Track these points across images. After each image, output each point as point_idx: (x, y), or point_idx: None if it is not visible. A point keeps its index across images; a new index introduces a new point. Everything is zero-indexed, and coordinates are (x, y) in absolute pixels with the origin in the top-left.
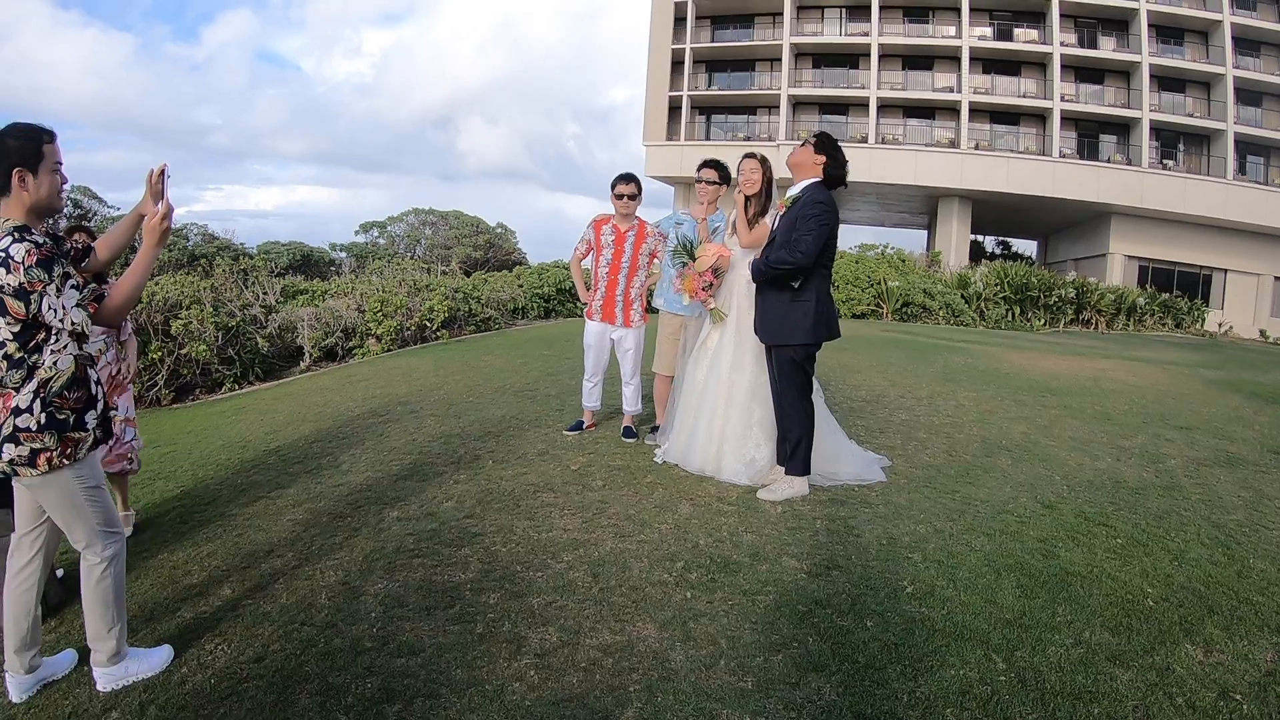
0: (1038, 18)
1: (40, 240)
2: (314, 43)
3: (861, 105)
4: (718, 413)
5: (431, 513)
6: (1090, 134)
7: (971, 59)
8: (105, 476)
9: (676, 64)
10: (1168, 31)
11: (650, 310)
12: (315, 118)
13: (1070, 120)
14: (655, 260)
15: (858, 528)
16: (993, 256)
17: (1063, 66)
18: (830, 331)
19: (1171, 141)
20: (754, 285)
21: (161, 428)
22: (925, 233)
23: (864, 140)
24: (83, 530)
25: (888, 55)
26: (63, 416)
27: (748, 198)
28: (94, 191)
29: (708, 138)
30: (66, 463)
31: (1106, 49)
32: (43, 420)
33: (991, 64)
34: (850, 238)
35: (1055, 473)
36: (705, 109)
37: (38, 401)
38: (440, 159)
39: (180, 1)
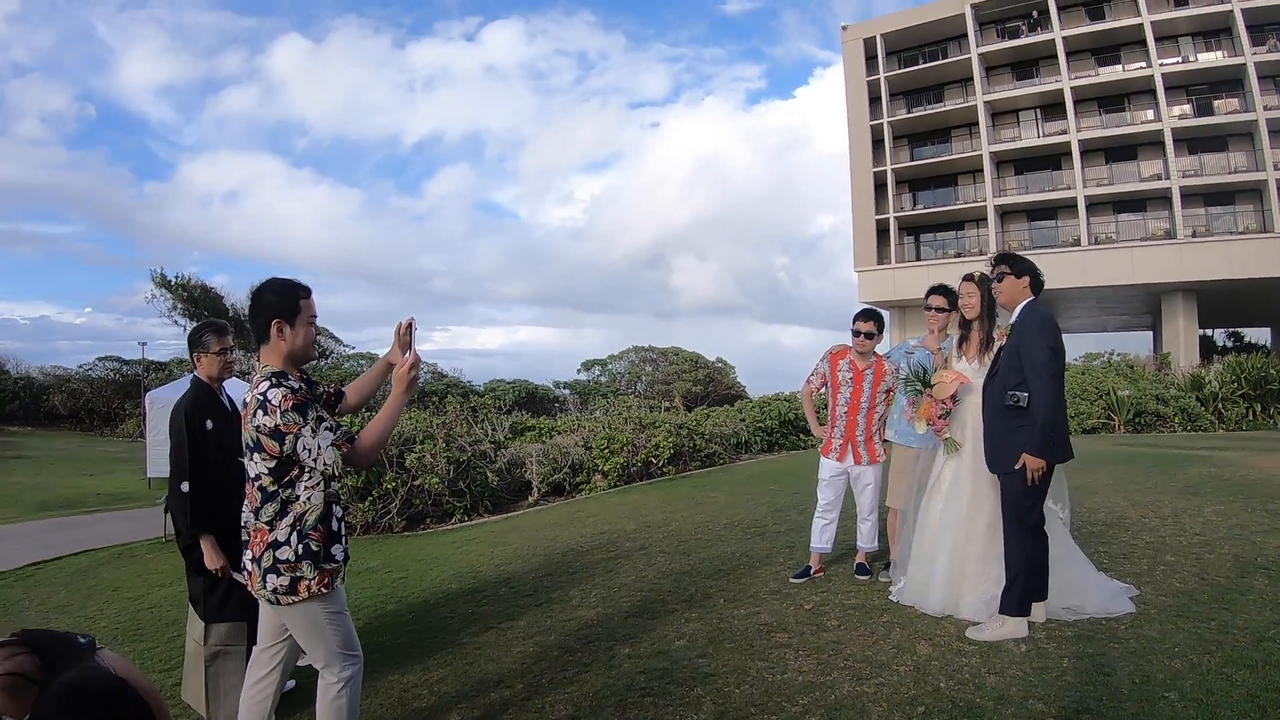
0: (1235, 85)
1: (296, 386)
2: (528, 192)
3: (1069, 207)
4: (956, 550)
5: (663, 651)
6: None
7: (1175, 140)
8: (347, 601)
9: (879, 186)
10: None
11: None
12: (533, 262)
13: None
14: (891, 394)
15: (1107, 665)
16: (1224, 351)
17: (1271, 131)
18: (1064, 453)
19: None
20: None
21: (393, 553)
22: (1150, 334)
23: (1076, 243)
24: (323, 652)
25: (1089, 150)
26: (316, 549)
27: (970, 321)
28: (331, 332)
29: (918, 258)
30: (325, 590)
31: None
32: (300, 551)
33: (1197, 143)
34: (1073, 347)
35: None
36: (912, 229)
37: (294, 534)
38: (654, 297)
39: (403, 160)
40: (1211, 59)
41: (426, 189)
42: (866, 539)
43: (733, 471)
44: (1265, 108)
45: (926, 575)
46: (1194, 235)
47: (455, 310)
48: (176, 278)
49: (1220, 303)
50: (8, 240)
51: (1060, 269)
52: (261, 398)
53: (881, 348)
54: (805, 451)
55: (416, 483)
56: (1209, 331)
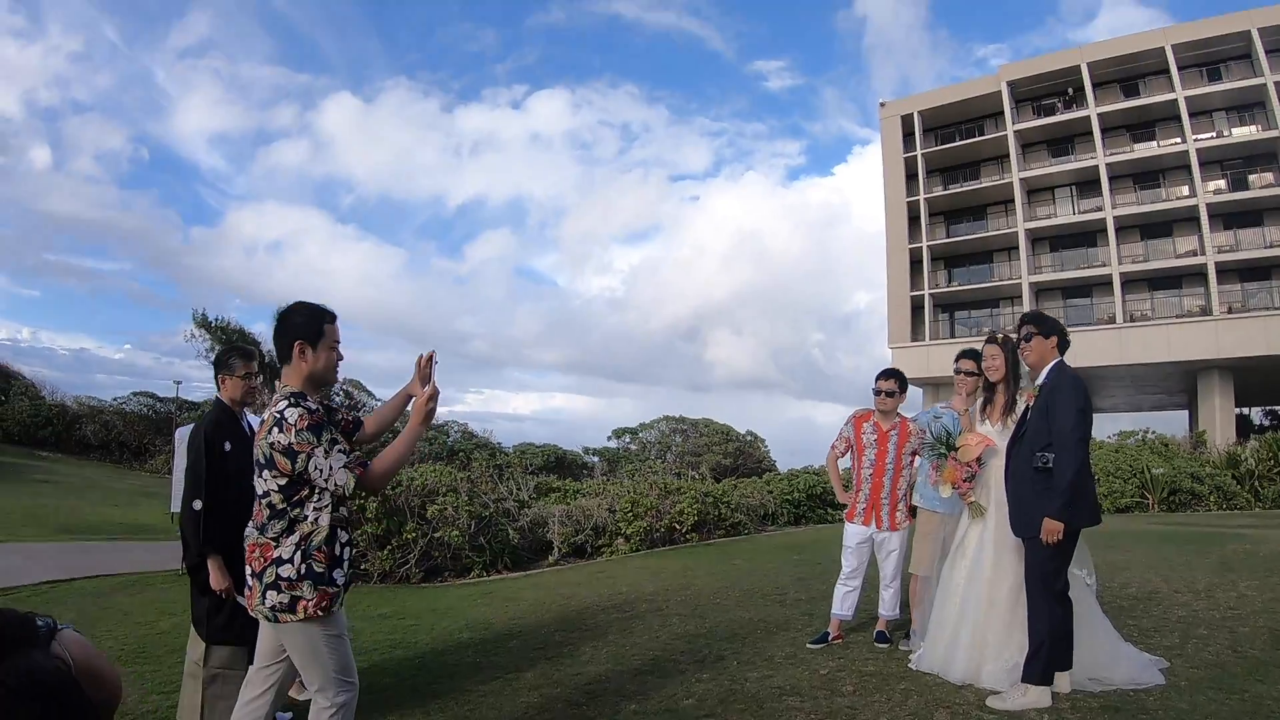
0: (1270, 159)
1: (313, 407)
2: (567, 260)
3: (1104, 284)
4: (979, 617)
5: (670, 709)
6: None
7: (1210, 216)
8: (347, 626)
9: (915, 263)
10: None
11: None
12: (570, 330)
13: None
14: (917, 459)
15: None
16: (1262, 430)
17: None
18: (1088, 517)
19: None
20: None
21: (407, 603)
22: (1185, 413)
23: (1111, 320)
24: (318, 675)
25: (1124, 227)
26: (320, 569)
27: (994, 384)
28: (364, 385)
29: (952, 335)
30: (320, 613)
31: None
32: (302, 570)
33: (1232, 218)
34: (1107, 426)
35: None
36: (947, 306)
37: (299, 553)
38: (690, 369)
39: (446, 222)
40: (1245, 133)
41: (468, 252)
42: (888, 607)
43: (756, 541)
44: None
45: (950, 642)
46: (1230, 311)
47: (490, 374)
48: (216, 320)
49: (1258, 380)
50: (56, 271)
51: (1095, 347)
52: (278, 416)
53: (907, 410)
54: (832, 525)
55: (437, 535)
56: (1246, 410)
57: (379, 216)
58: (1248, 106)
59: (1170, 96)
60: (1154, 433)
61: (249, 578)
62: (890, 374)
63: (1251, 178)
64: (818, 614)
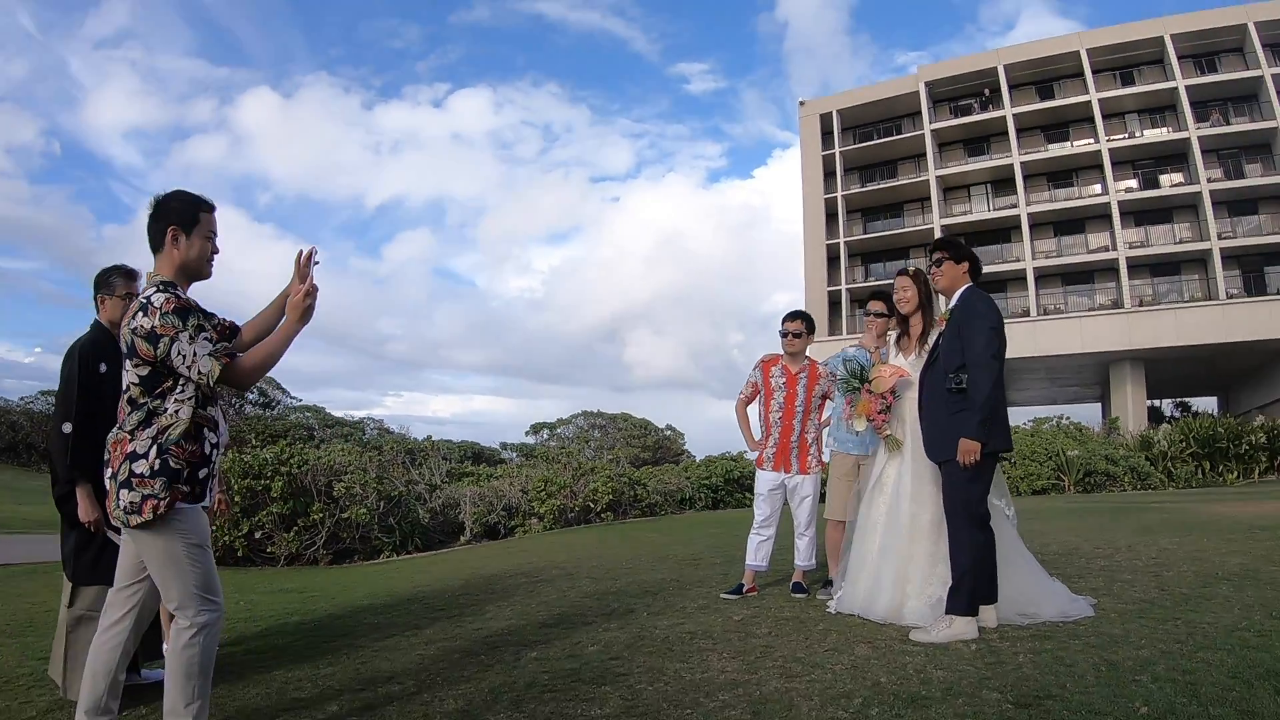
0: (1180, 159)
1: (182, 295)
2: (486, 260)
3: (1019, 279)
4: (901, 551)
5: (574, 655)
6: (1254, 269)
7: (1122, 213)
8: (210, 538)
9: (833, 260)
10: None
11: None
12: (490, 331)
13: (1231, 258)
14: (828, 402)
15: (1069, 658)
16: (1172, 420)
17: (1214, 203)
18: (1004, 440)
19: None
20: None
21: (311, 581)
22: (1099, 405)
23: (1026, 314)
24: (178, 589)
25: (1038, 224)
26: (176, 466)
27: (906, 317)
28: (282, 385)
29: None
30: (166, 510)
31: (1254, 176)
32: (156, 466)
33: (1143, 215)
34: (1024, 416)
35: None
36: (864, 301)
37: (154, 448)
38: (611, 370)
39: (365, 222)
40: (1157, 135)
41: (386, 252)
42: (804, 556)
43: (674, 519)
44: (1209, 180)
45: (872, 581)
46: (1141, 305)
47: (410, 375)
48: None
49: (1168, 371)
50: None
51: (1010, 340)
52: (144, 301)
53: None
54: (750, 508)
55: (345, 515)
56: (1157, 402)
57: (297, 215)
58: (1159, 109)
59: (1084, 99)
60: (1069, 419)
61: (107, 480)
62: (797, 315)
63: (1162, 177)
64: (733, 573)
